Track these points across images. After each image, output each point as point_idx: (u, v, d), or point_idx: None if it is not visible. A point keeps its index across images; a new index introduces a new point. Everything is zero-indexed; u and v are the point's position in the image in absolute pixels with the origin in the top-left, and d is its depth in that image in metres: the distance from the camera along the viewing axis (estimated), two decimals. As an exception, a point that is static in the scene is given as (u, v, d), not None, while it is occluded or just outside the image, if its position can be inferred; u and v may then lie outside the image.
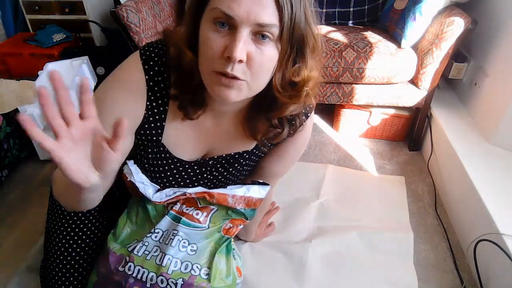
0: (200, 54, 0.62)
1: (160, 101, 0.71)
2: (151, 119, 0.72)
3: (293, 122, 0.76)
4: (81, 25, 1.97)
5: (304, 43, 0.62)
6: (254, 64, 0.59)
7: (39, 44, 1.88)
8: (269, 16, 0.56)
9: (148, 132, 0.74)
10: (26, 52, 1.86)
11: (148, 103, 0.70)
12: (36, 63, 1.76)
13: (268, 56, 0.59)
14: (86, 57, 1.75)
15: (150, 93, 0.69)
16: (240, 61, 0.57)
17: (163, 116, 0.72)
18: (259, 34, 0.57)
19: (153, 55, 0.69)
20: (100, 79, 1.85)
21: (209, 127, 0.78)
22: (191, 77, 0.66)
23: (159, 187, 0.84)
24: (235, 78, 0.59)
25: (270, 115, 0.72)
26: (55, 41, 1.89)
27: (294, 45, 0.61)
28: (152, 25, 1.49)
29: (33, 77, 1.57)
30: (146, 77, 0.68)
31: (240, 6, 0.54)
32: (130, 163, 0.81)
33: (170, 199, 0.83)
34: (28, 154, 1.54)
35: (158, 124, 0.73)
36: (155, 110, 0.71)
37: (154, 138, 0.75)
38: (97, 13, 2.04)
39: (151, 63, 0.68)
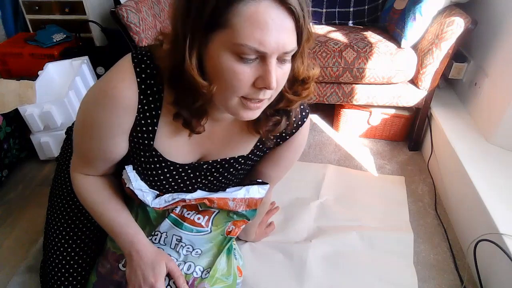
0: (220, 82, 0.59)
1: (152, 105, 0.69)
2: (142, 122, 0.70)
3: (290, 114, 0.75)
4: (81, 25, 1.97)
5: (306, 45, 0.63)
6: (279, 83, 0.61)
7: (39, 44, 1.88)
8: (292, 42, 0.57)
9: (140, 135, 0.72)
10: (26, 52, 1.86)
11: (139, 106, 0.68)
12: (36, 63, 1.76)
13: (287, 71, 0.62)
14: (86, 57, 1.75)
15: (142, 97, 0.67)
16: None
17: (155, 120, 0.71)
18: (282, 58, 0.59)
19: (145, 58, 0.67)
20: (100, 79, 1.84)
21: (204, 132, 0.75)
22: (197, 98, 0.64)
23: (158, 192, 0.83)
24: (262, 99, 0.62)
25: (276, 108, 0.72)
26: (55, 41, 1.90)
27: (303, 52, 0.63)
28: (152, 25, 1.49)
29: (33, 77, 1.57)
30: (138, 79, 0.66)
31: (271, 38, 0.54)
32: (129, 168, 0.78)
33: (169, 205, 0.82)
34: (28, 154, 1.54)
35: (150, 128, 0.71)
36: (147, 114, 0.70)
37: (146, 142, 0.73)
38: (97, 13, 2.04)
39: (143, 65, 0.66)
